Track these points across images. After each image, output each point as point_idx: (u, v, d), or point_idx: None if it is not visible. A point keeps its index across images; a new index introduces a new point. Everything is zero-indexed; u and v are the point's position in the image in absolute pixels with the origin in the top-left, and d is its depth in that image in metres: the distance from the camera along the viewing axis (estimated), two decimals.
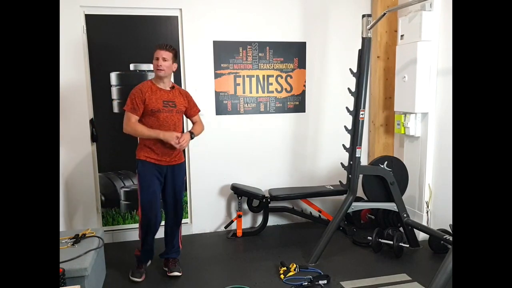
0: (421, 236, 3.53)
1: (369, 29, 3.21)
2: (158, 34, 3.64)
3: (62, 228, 3.45)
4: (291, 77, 4.05)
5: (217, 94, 3.87)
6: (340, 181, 3.60)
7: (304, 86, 4.10)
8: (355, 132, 3.33)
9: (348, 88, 3.36)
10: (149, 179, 2.85)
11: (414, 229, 3.44)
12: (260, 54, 3.94)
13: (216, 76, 3.86)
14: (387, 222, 3.75)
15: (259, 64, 3.95)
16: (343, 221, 3.82)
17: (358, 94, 3.29)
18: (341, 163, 3.51)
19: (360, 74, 3.26)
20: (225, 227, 3.99)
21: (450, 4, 3.17)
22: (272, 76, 4.00)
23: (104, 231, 3.28)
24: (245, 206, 3.94)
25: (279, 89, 4.04)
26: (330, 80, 4.15)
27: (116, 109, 3.66)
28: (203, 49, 3.77)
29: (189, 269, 3.13)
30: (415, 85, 3.47)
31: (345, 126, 3.42)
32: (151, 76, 3.66)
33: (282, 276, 3.00)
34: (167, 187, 2.94)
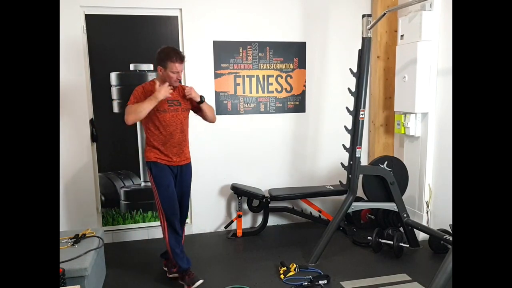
0: (421, 236, 3.53)
1: (369, 29, 3.21)
2: (158, 34, 3.64)
3: (62, 228, 3.45)
4: (291, 77, 4.05)
5: (217, 94, 3.87)
6: (340, 181, 3.60)
7: (304, 86, 4.10)
8: (355, 132, 3.33)
9: (348, 88, 3.37)
10: (166, 178, 2.79)
11: (414, 229, 3.44)
12: (260, 54, 3.94)
13: (216, 76, 3.86)
14: (387, 222, 3.75)
15: (259, 64, 3.95)
16: (343, 221, 3.82)
17: (358, 94, 3.29)
18: (341, 163, 3.51)
19: (360, 74, 3.26)
20: (225, 227, 3.99)
21: (450, 4, 3.17)
22: (272, 76, 4.00)
23: (104, 231, 3.29)
24: (245, 206, 3.94)
25: (279, 89, 4.04)
26: (330, 80, 4.15)
27: (116, 109, 3.66)
28: (203, 49, 3.77)
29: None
30: (415, 85, 3.47)
31: (345, 126, 3.42)
32: (151, 76, 3.67)
33: (282, 276, 3.00)
34: (176, 185, 2.88)
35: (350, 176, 3.40)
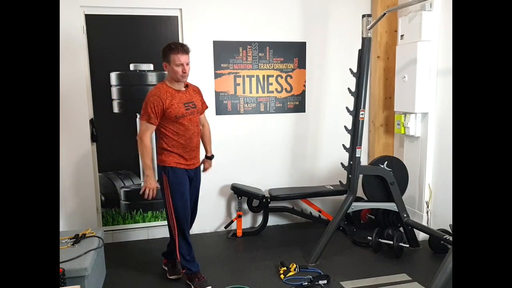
0: (421, 236, 3.52)
1: (369, 29, 3.21)
2: (158, 34, 3.64)
3: (62, 228, 3.46)
4: (291, 77, 4.05)
5: (217, 94, 3.87)
6: (340, 181, 3.60)
7: (304, 86, 4.10)
8: (355, 132, 3.33)
9: (348, 88, 3.37)
10: (183, 186, 2.74)
11: (414, 229, 3.44)
12: (260, 54, 3.94)
13: (216, 76, 3.86)
14: (387, 222, 3.75)
15: (259, 64, 3.95)
16: (343, 221, 3.82)
17: (358, 94, 3.29)
18: (341, 163, 3.51)
19: (360, 74, 3.26)
20: (225, 227, 3.99)
21: (450, 4, 3.17)
22: (272, 76, 4.00)
23: (104, 231, 3.28)
24: (245, 206, 3.94)
25: (279, 89, 4.04)
26: (330, 80, 4.15)
27: (116, 109, 3.66)
28: (203, 49, 3.77)
29: None
30: (415, 85, 3.47)
31: (345, 126, 3.42)
32: (151, 76, 3.67)
33: (282, 276, 3.00)
34: (191, 188, 2.85)
35: (350, 176, 3.40)
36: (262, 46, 3.93)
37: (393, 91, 3.86)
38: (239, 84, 3.93)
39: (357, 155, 3.32)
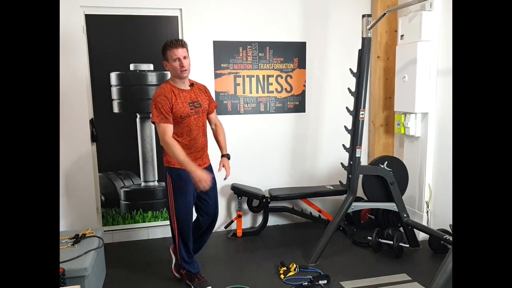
0: (421, 236, 3.52)
1: (369, 29, 3.21)
2: (158, 34, 3.64)
3: (62, 228, 3.46)
4: (291, 77, 4.05)
5: (217, 94, 3.87)
6: (340, 181, 3.60)
7: (304, 86, 4.10)
8: (355, 132, 3.33)
9: (348, 88, 3.37)
10: (187, 188, 2.69)
11: (414, 229, 3.44)
12: (260, 54, 3.94)
13: (216, 76, 3.86)
14: (387, 222, 3.75)
15: (259, 64, 3.95)
16: (343, 221, 3.82)
17: (358, 94, 3.29)
18: (341, 163, 3.51)
19: (360, 74, 3.26)
20: (225, 227, 3.99)
21: (450, 4, 3.17)
22: (272, 76, 4.00)
23: (104, 231, 3.28)
24: (245, 206, 3.94)
25: (279, 89, 4.04)
26: (330, 80, 4.15)
27: (116, 109, 3.66)
28: (203, 49, 3.77)
29: None
30: (415, 85, 3.47)
31: (345, 126, 3.42)
32: (151, 76, 3.67)
33: (282, 276, 3.00)
34: (208, 189, 2.68)
35: (350, 176, 3.40)
36: (262, 46, 3.93)
37: (393, 91, 3.86)
38: (239, 84, 3.93)
39: (357, 155, 3.32)
